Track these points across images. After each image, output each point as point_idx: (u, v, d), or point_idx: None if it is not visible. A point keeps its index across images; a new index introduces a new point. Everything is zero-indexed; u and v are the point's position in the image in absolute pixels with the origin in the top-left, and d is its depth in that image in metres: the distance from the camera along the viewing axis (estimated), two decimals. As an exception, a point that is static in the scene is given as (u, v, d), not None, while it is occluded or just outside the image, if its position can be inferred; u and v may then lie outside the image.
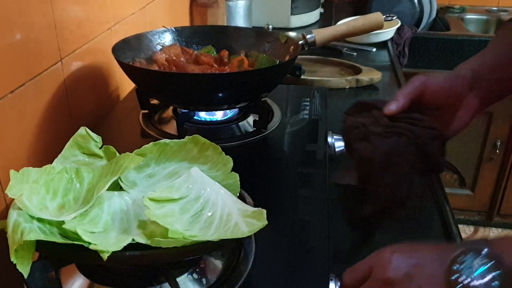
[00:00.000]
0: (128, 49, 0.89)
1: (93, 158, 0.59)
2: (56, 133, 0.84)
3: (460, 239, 0.73)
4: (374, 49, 1.69)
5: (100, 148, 0.60)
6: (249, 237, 0.56)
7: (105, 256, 0.42)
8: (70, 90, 0.88)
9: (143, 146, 0.58)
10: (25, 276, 0.43)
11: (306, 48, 0.91)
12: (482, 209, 2.19)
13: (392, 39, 1.77)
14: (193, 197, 0.49)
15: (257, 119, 0.84)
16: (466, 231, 2.23)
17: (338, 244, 0.74)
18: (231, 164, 0.56)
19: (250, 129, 0.85)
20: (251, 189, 0.69)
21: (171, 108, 0.90)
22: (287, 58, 0.88)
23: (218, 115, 0.88)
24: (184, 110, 0.83)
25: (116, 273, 0.51)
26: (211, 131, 0.83)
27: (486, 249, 0.44)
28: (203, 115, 0.87)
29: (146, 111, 0.90)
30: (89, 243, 0.44)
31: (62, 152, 0.59)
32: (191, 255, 0.47)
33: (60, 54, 0.84)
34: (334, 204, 0.82)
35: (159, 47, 0.95)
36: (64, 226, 0.45)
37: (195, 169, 0.53)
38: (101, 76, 1.00)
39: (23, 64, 0.73)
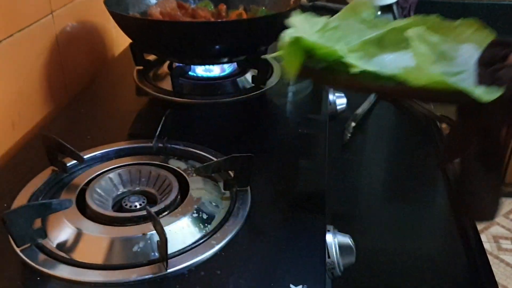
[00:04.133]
0: (121, 3, 0.85)
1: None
2: (49, 90, 0.81)
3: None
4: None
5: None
6: (245, 189, 0.55)
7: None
8: (62, 45, 0.85)
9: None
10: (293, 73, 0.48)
11: (307, 0, 0.87)
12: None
13: (397, 2, 1.71)
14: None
15: (256, 74, 0.81)
16: (469, 200, 2.22)
17: (338, 203, 0.72)
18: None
19: (249, 86, 0.82)
20: (248, 145, 0.66)
21: (166, 64, 0.87)
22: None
23: (216, 71, 0.84)
24: (179, 64, 0.80)
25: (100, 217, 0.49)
26: (207, 87, 0.80)
27: None
28: (200, 72, 0.84)
29: (141, 68, 0.86)
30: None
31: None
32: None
33: (51, 7, 0.81)
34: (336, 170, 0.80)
35: (154, 1, 0.91)
36: None
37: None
38: (95, 32, 0.96)
39: (11, 13, 0.70)
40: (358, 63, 0.47)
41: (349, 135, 0.88)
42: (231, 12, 0.91)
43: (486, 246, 1.90)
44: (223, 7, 0.92)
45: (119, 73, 0.90)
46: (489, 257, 1.71)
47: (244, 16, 0.89)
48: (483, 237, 2.00)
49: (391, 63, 0.50)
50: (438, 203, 0.72)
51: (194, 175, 0.55)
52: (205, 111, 0.75)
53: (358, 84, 0.49)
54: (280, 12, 0.75)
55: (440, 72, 0.45)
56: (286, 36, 0.48)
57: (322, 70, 0.50)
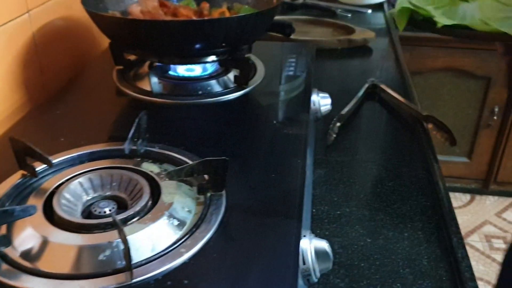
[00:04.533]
0: (100, 1, 0.83)
1: None
2: (27, 90, 0.79)
3: (448, 202, 0.69)
4: (370, 11, 1.63)
5: None
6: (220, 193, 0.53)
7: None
8: (40, 45, 0.83)
9: None
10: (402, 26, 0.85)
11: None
12: (479, 176, 2.15)
13: (388, 0, 1.70)
14: None
15: (238, 74, 0.79)
16: (462, 199, 2.20)
17: (317, 204, 0.70)
18: None
19: (231, 86, 0.80)
20: (228, 147, 0.65)
21: (147, 63, 0.85)
22: (270, 9, 0.82)
23: (198, 71, 0.83)
24: (159, 64, 0.78)
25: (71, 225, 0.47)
26: (188, 87, 0.78)
27: None
28: (181, 71, 0.82)
29: (121, 67, 0.85)
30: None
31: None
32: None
33: (27, 5, 0.79)
34: (320, 167, 0.79)
35: (135, 0, 0.89)
36: None
37: None
38: (75, 31, 0.94)
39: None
40: (440, 19, 0.80)
41: (334, 135, 0.87)
42: (214, 10, 0.89)
43: (478, 245, 1.89)
44: (205, 5, 0.90)
45: (99, 73, 0.88)
46: (481, 257, 1.71)
47: (227, 14, 0.88)
48: (475, 237, 1.99)
49: (466, 14, 0.81)
50: (422, 204, 0.70)
51: (167, 179, 0.54)
52: (184, 112, 0.73)
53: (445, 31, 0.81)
54: (261, 11, 0.73)
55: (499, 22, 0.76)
56: (398, 3, 0.85)
57: (423, 22, 0.84)
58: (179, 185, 0.53)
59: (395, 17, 0.89)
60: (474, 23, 0.78)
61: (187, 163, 0.57)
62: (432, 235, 0.65)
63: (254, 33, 0.77)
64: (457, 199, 2.21)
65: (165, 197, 0.51)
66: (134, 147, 0.59)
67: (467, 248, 1.95)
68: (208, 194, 0.53)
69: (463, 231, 1.95)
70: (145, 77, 0.82)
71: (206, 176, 0.54)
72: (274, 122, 0.71)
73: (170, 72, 0.80)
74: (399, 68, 1.13)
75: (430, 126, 0.88)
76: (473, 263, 1.85)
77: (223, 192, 0.53)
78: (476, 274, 1.63)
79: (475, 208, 1.93)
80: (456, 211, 2.16)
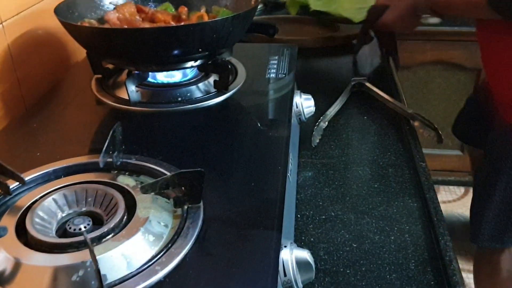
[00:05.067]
0: (75, 10, 0.82)
1: None
2: (4, 103, 0.78)
3: (436, 202, 0.68)
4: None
5: None
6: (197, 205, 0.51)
7: None
8: (16, 56, 0.81)
9: None
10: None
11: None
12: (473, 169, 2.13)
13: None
14: None
15: (218, 79, 0.78)
16: (456, 192, 2.19)
17: (302, 209, 0.69)
18: None
19: (212, 91, 0.79)
20: (207, 154, 0.63)
21: (126, 71, 0.83)
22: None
23: (177, 77, 0.81)
24: (137, 72, 0.77)
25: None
26: (168, 94, 0.77)
27: None
28: (161, 78, 0.81)
29: (100, 76, 0.83)
30: None
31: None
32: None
33: (0, 17, 0.77)
34: (304, 170, 0.77)
35: (112, 6, 0.88)
36: None
37: None
38: (52, 40, 0.93)
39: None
40: (313, 4, 1.24)
41: (319, 138, 0.85)
42: (192, 14, 0.88)
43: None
44: (183, 9, 0.88)
45: (78, 83, 0.86)
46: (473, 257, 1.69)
47: (205, 17, 0.86)
48: (469, 230, 1.98)
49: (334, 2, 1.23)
50: (409, 206, 0.69)
51: (142, 193, 0.52)
52: (164, 120, 0.72)
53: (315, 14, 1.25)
54: (236, 14, 0.71)
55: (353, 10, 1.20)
56: None
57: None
58: (155, 198, 0.52)
59: (287, 7, 1.34)
60: (333, 10, 1.22)
61: (164, 174, 0.56)
62: (419, 238, 0.63)
63: (231, 36, 0.75)
64: (452, 192, 2.20)
65: (140, 212, 0.50)
66: (110, 160, 0.58)
67: (462, 242, 1.94)
68: (185, 207, 0.51)
69: (458, 224, 1.94)
70: (124, 85, 0.80)
71: (184, 188, 0.52)
72: (255, 127, 0.70)
73: (149, 79, 0.79)
74: (385, 65, 1.12)
75: (416, 123, 0.87)
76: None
77: (201, 204, 0.51)
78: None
79: (470, 201, 1.92)
80: (451, 205, 2.14)
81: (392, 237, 0.63)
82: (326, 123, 0.89)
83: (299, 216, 0.68)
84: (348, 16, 1.20)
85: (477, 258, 1.28)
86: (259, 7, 1.48)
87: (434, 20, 1.64)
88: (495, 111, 1.08)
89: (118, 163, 0.58)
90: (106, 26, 0.83)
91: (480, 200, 1.13)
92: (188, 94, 0.77)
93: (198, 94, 0.78)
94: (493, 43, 1.03)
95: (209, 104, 0.75)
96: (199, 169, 0.49)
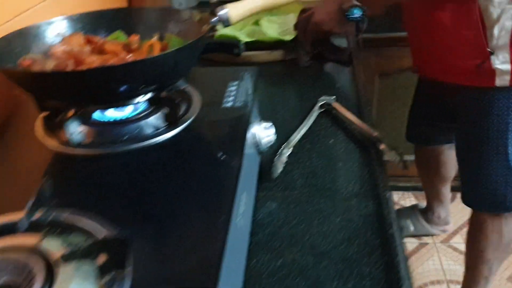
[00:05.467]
0: (17, 45, 0.77)
1: None
2: None
3: (398, 239, 0.64)
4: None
5: None
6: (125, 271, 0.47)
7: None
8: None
9: None
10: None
11: (221, 26, 0.80)
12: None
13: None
14: None
15: (168, 112, 0.74)
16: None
17: (258, 253, 0.65)
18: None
19: (162, 125, 0.74)
20: (149, 202, 0.59)
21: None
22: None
23: (127, 111, 0.77)
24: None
25: None
26: (114, 132, 0.72)
27: None
28: (109, 114, 0.76)
29: (47, 113, 0.78)
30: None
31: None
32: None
33: None
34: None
35: (58, 38, 0.83)
36: None
37: None
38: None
39: None
40: (242, 37, 1.28)
41: (282, 167, 0.81)
42: (144, 43, 0.83)
43: (462, 247, 1.83)
44: (134, 37, 0.84)
45: (22, 123, 0.82)
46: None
47: (157, 46, 0.82)
48: (458, 238, 1.94)
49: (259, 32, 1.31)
50: (371, 243, 0.65)
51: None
52: (106, 164, 0.67)
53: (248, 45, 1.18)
54: (180, 47, 0.67)
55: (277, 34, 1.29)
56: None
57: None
58: (80, 266, 0.48)
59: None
60: (262, 38, 1.27)
61: (95, 233, 0.52)
62: (380, 281, 0.59)
63: (179, 69, 0.71)
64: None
65: (59, 285, 0.45)
66: (36, 218, 0.53)
67: (450, 251, 1.91)
68: (112, 273, 0.47)
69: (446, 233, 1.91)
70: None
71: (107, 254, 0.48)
72: (202, 166, 0.65)
73: (95, 117, 0.74)
74: (354, 83, 1.08)
75: (382, 146, 0.83)
76: (457, 266, 1.81)
77: (129, 269, 0.47)
78: (460, 278, 1.59)
79: (457, 207, 1.88)
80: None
81: (351, 283, 0.59)
82: (291, 149, 0.85)
83: (255, 260, 0.64)
84: (276, 38, 1.25)
85: (476, 227, 1.47)
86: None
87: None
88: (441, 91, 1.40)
89: (47, 221, 0.54)
90: (51, 60, 0.79)
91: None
92: (136, 131, 0.72)
93: (148, 130, 0.73)
94: (421, 16, 1.29)
95: (158, 141, 0.71)
96: (124, 235, 0.45)
